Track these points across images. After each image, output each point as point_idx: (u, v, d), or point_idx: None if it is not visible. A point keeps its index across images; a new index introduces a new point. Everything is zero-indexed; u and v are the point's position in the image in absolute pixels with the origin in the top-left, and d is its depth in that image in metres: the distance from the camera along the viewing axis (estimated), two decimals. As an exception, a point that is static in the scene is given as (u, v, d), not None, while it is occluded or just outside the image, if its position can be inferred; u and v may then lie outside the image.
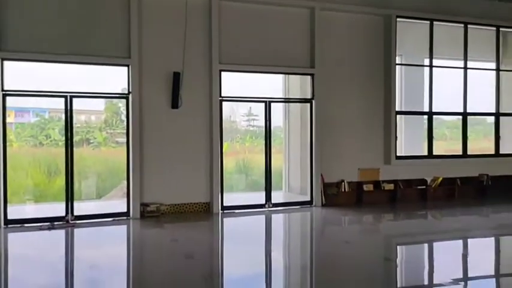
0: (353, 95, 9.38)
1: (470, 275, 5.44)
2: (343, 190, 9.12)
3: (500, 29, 10.58)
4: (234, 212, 8.44)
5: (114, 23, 7.82)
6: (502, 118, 10.77)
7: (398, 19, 9.55)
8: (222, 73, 8.44)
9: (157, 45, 8.03)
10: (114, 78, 8.12)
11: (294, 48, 8.96)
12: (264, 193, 8.79)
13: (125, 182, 7.99)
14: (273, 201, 8.79)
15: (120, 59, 7.82)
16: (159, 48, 8.04)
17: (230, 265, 5.74)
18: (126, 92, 7.91)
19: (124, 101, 8.06)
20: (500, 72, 10.73)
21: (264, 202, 8.74)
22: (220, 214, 8.25)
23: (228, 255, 6.18)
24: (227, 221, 8.06)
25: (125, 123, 8.00)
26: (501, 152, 10.63)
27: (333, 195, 9.05)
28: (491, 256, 6.21)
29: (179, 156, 8.14)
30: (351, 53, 9.38)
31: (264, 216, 8.44)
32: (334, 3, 9.03)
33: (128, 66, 7.85)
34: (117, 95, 8.29)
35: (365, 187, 9.31)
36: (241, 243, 6.53)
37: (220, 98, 8.43)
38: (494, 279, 5.28)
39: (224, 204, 8.42)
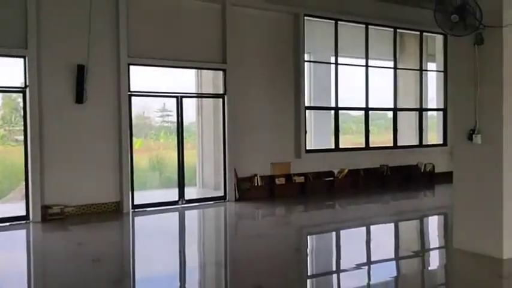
0: (265, 90, 9.55)
1: (373, 259, 5.82)
2: (256, 184, 9.27)
3: (397, 30, 11.45)
4: (145, 211, 8.18)
5: (8, 10, 7.14)
6: (399, 113, 11.68)
7: (306, 18, 9.91)
8: (131, 67, 8.12)
9: (58, 35, 7.48)
10: (12, 70, 7.42)
11: (206, 43, 8.89)
12: (177, 190, 8.64)
13: (24, 183, 7.38)
14: (186, 198, 8.67)
15: (15, 49, 7.17)
16: (60, 38, 7.49)
17: (141, 266, 5.55)
18: (23, 85, 7.29)
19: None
20: (398, 70, 11.62)
21: (177, 199, 8.59)
22: (131, 213, 7.95)
23: (139, 256, 5.97)
24: (138, 220, 7.79)
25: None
26: (398, 144, 11.53)
27: (246, 189, 9.17)
28: (391, 240, 6.72)
29: (85, 154, 7.68)
30: (263, 49, 9.54)
31: (177, 213, 8.30)
32: (245, -1, 9.12)
33: (24, 57, 7.22)
34: (12, 89, 7.61)
35: (277, 180, 9.55)
36: (153, 242, 6.35)
37: (129, 93, 8.10)
38: (394, 262, 5.69)
39: (135, 203, 8.13)
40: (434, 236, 7.31)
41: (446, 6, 5.03)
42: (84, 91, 7.55)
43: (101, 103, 7.82)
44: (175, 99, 8.71)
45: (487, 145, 5.09)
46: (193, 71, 9.40)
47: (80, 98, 7.52)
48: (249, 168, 9.26)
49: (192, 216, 8.37)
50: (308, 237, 7.13)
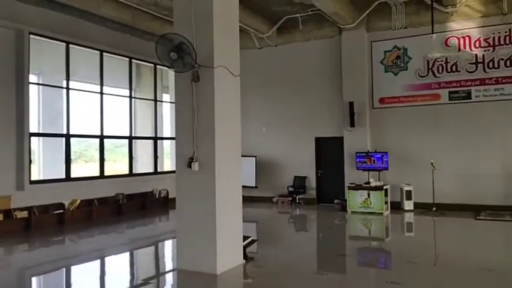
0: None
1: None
2: (-38, 225, 7.76)
3: (133, 60, 11.72)
4: None
5: None
6: (135, 141, 11.87)
7: (31, 36, 9.07)
8: None
9: None
10: None
11: None
12: None
13: None
14: None
15: None
16: None
17: None
18: None
19: None
20: (134, 99, 11.85)
21: None
22: None
23: None
24: None
25: None
26: (134, 171, 11.67)
27: (-52, 232, 7.55)
28: (125, 270, 6.62)
29: None
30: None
31: None
32: None
33: None
34: None
35: (-8, 218, 8.23)
36: None
37: None
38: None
39: None
40: (167, 260, 7.58)
41: (167, 43, 5.42)
42: None
43: None
44: None
45: (203, 172, 5.65)
46: None
47: None
48: (-47, 206, 7.69)
49: None
50: (32, 279, 6.32)
